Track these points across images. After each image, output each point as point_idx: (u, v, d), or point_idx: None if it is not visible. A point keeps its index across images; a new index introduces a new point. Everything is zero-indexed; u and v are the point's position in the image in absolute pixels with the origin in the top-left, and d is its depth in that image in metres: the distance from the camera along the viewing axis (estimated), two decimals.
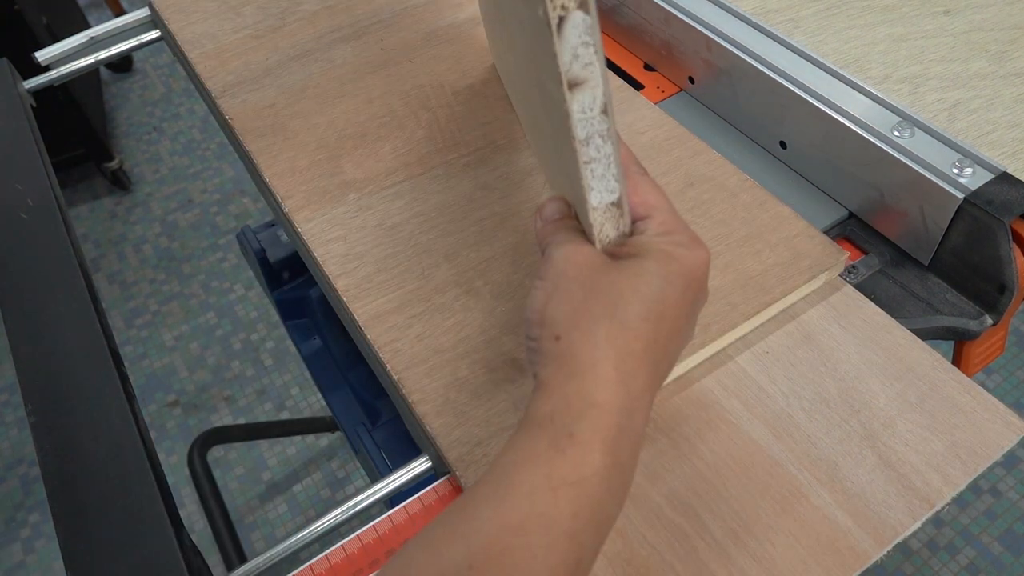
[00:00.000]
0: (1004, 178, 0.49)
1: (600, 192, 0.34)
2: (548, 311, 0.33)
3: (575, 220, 0.37)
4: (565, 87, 0.31)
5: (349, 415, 0.74)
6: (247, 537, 1.36)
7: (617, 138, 0.33)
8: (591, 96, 0.32)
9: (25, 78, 0.72)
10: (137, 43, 0.73)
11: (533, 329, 0.33)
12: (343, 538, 0.43)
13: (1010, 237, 0.47)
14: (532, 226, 0.52)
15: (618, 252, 0.35)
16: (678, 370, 0.46)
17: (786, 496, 0.41)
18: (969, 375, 0.48)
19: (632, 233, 0.36)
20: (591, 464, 0.29)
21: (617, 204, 0.34)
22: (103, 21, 0.98)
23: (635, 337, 0.31)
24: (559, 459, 0.29)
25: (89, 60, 0.72)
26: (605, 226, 0.35)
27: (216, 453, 1.43)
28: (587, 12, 0.30)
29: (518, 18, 0.38)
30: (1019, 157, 0.53)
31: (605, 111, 0.32)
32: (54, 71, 0.72)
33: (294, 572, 0.41)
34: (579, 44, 0.30)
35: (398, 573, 0.29)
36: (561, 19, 0.30)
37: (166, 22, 0.70)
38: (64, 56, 0.72)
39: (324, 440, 1.47)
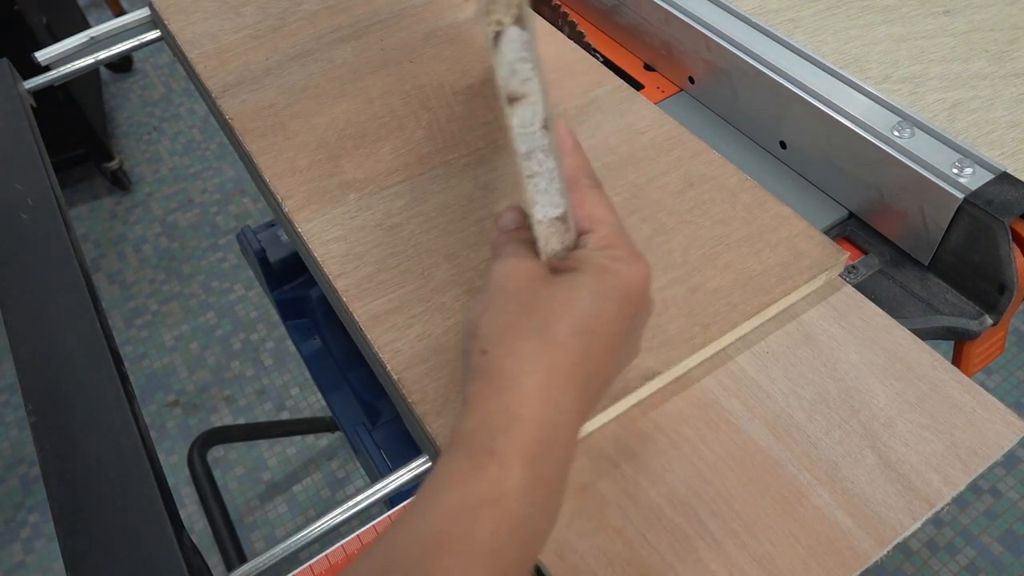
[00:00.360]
0: (1004, 178, 0.49)
1: (544, 206, 0.34)
2: (481, 324, 0.33)
3: (529, 231, 0.37)
4: (505, 102, 0.31)
5: (349, 415, 0.74)
6: (247, 537, 1.36)
7: (570, 150, 0.33)
8: (531, 111, 0.32)
9: (25, 78, 0.72)
10: (137, 43, 0.73)
11: (466, 342, 0.33)
12: (343, 538, 0.43)
13: (1010, 237, 0.47)
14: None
15: (559, 266, 0.35)
16: (678, 370, 0.46)
17: (786, 496, 0.41)
18: (969, 375, 0.48)
19: (575, 247, 0.36)
20: (511, 480, 0.29)
21: (562, 218, 0.35)
22: (103, 21, 0.98)
23: (564, 352, 0.31)
24: (479, 476, 0.29)
25: (89, 60, 0.72)
26: (551, 240, 0.35)
27: (216, 453, 1.43)
28: (523, 28, 0.30)
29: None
30: (1019, 157, 0.53)
31: (546, 126, 0.32)
32: (54, 71, 0.72)
33: (294, 572, 0.41)
34: (516, 59, 0.30)
35: None
36: (497, 34, 0.30)
37: (166, 22, 0.70)
38: (64, 56, 0.72)
39: (324, 440, 1.47)
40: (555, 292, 0.33)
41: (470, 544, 0.28)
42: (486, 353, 0.31)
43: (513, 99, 0.31)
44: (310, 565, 0.42)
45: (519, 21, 0.29)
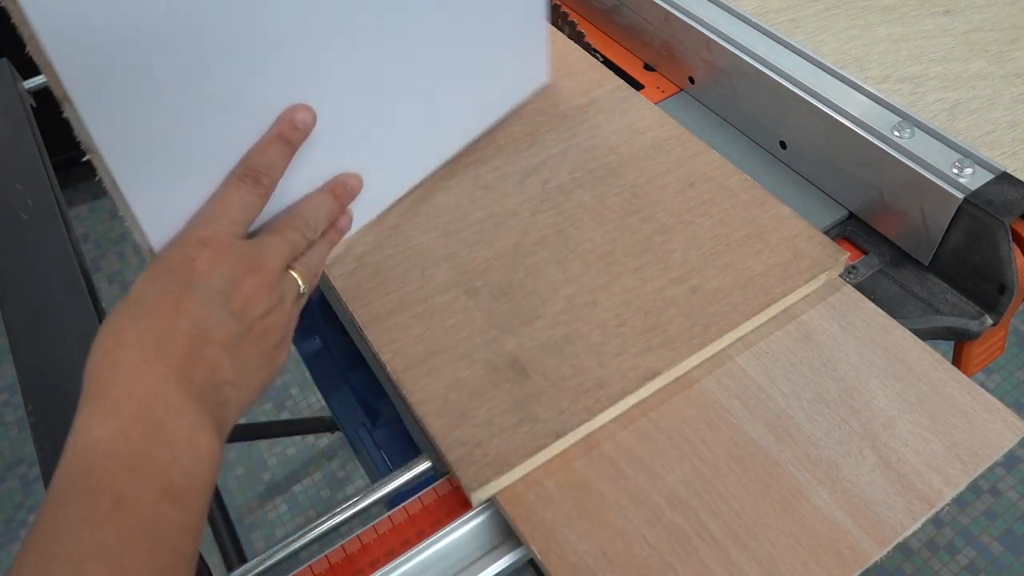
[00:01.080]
0: (1004, 178, 0.49)
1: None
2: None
3: None
4: None
5: (349, 415, 0.74)
6: (247, 537, 1.36)
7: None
8: None
9: (25, 78, 0.72)
10: None
11: None
12: (343, 538, 0.43)
13: (1010, 237, 0.47)
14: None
15: None
16: (678, 370, 0.46)
17: (786, 496, 0.41)
18: (969, 375, 0.48)
19: None
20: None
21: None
22: None
23: (121, 344, 0.35)
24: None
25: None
26: None
27: None
28: None
29: None
30: (1019, 157, 0.53)
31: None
32: None
33: (294, 572, 0.41)
34: None
35: None
36: None
37: None
38: None
39: (324, 440, 1.47)
40: None
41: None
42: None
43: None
44: (310, 565, 0.42)
45: None
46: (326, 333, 0.76)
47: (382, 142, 0.51)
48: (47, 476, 0.42)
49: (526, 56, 0.59)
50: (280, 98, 0.43)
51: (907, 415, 0.43)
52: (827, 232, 0.56)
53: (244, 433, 1.46)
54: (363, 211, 0.52)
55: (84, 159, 0.38)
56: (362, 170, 0.49)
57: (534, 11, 0.56)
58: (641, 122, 0.59)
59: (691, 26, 0.63)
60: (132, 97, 0.37)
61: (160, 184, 0.39)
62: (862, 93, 0.55)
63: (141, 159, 0.39)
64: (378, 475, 0.75)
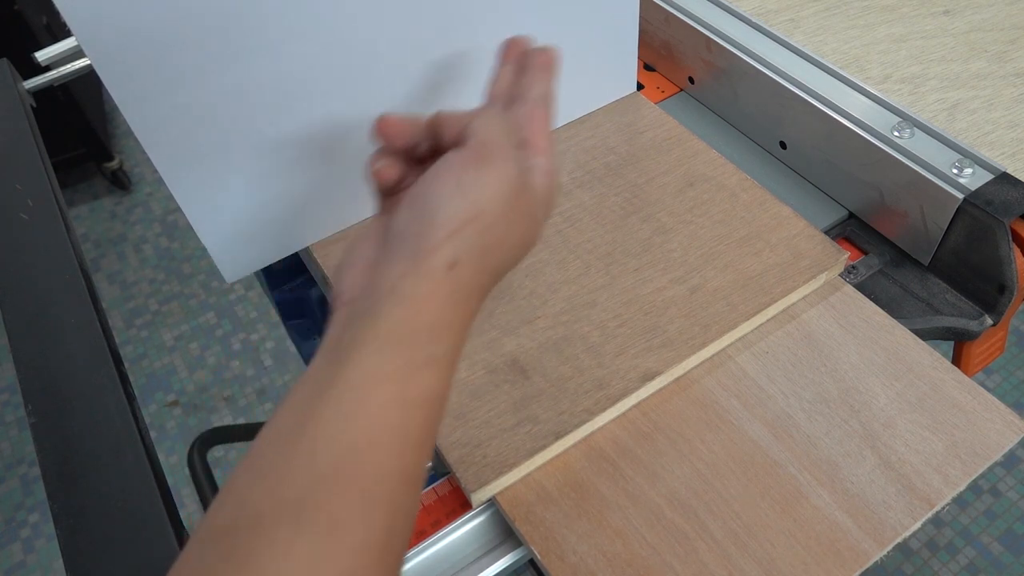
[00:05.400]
0: (1004, 178, 0.49)
1: None
2: (466, 233, 0.31)
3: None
4: None
5: None
6: None
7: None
8: None
9: (25, 78, 0.72)
10: None
11: (435, 230, 0.31)
12: None
13: (1010, 237, 0.47)
14: None
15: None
16: (678, 370, 0.46)
17: (786, 496, 0.41)
18: (969, 375, 0.48)
19: None
20: (444, 381, 0.30)
21: None
22: None
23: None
24: (415, 380, 0.29)
25: (89, 60, 0.72)
26: None
27: (216, 453, 1.43)
28: None
29: None
30: (1019, 157, 0.53)
31: None
32: (54, 71, 0.72)
33: None
34: None
35: (235, 499, 0.28)
36: None
37: None
38: (64, 56, 0.72)
39: None
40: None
41: (404, 437, 0.29)
42: (455, 266, 0.31)
43: None
44: None
45: None
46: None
47: None
48: (47, 476, 0.42)
49: (614, 63, 0.60)
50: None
51: (907, 415, 0.43)
52: (827, 232, 0.56)
53: (245, 433, 1.46)
54: None
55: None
56: None
57: (626, 21, 0.58)
58: (641, 122, 0.59)
59: (691, 26, 0.63)
60: (162, 82, 0.39)
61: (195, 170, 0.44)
62: (862, 93, 0.55)
63: (175, 147, 0.42)
64: None
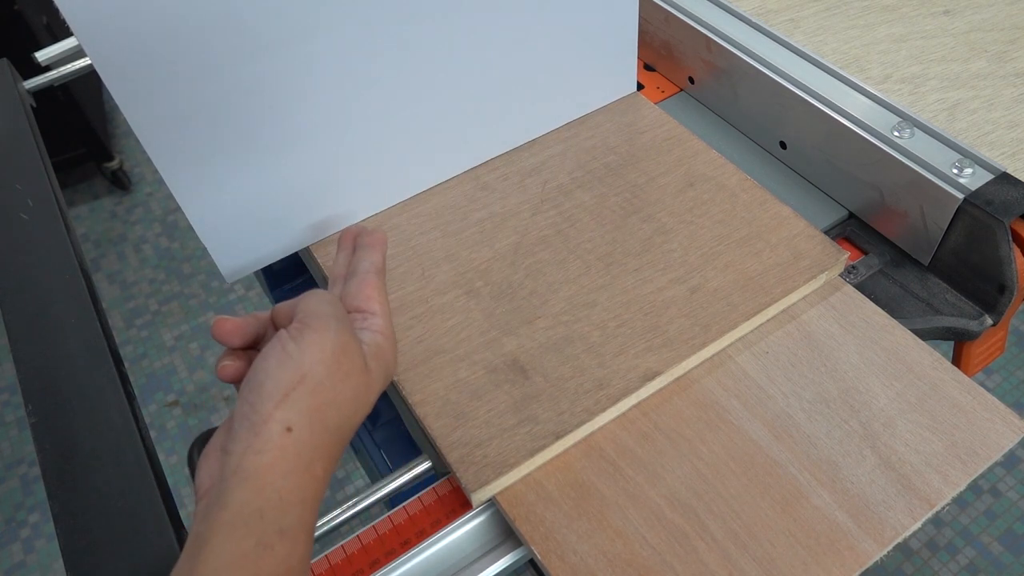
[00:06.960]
0: (1004, 178, 0.49)
1: None
2: (296, 397, 0.33)
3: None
4: None
5: None
6: None
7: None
8: None
9: (25, 78, 0.72)
10: None
11: (264, 403, 0.33)
12: (343, 538, 0.43)
13: (1010, 237, 0.47)
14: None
15: None
16: (678, 370, 0.46)
17: (786, 496, 0.41)
18: (969, 375, 0.48)
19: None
20: (298, 554, 0.31)
21: None
22: None
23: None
24: (268, 556, 0.30)
25: (89, 60, 0.72)
26: None
27: None
28: None
29: None
30: (1019, 157, 0.53)
31: None
32: (54, 71, 0.72)
33: None
34: None
35: None
36: None
37: None
38: (64, 56, 0.72)
39: None
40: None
41: None
42: (290, 431, 0.32)
43: None
44: (311, 565, 0.42)
45: None
46: None
47: (453, 121, 0.54)
48: (47, 476, 0.42)
49: (614, 63, 0.60)
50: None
51: (907, 415, 0.43)
52: (827, 232, 0.56)
53: None
54: (434, 174, 0.57)
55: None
56: (431, 145, 0.54)
57: (626, 21, 0.58)
58: (641, 122, 0.59)
59: (691, 26, 0.63)
60: (164, 82, 0.40)
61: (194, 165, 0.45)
62: (862, 93, 0.55)
63: (177, 147, 0.43)
64: (378, 475, 0.75)
